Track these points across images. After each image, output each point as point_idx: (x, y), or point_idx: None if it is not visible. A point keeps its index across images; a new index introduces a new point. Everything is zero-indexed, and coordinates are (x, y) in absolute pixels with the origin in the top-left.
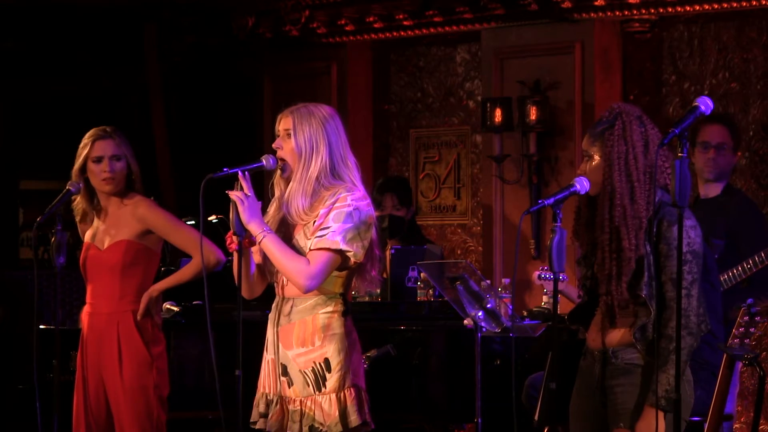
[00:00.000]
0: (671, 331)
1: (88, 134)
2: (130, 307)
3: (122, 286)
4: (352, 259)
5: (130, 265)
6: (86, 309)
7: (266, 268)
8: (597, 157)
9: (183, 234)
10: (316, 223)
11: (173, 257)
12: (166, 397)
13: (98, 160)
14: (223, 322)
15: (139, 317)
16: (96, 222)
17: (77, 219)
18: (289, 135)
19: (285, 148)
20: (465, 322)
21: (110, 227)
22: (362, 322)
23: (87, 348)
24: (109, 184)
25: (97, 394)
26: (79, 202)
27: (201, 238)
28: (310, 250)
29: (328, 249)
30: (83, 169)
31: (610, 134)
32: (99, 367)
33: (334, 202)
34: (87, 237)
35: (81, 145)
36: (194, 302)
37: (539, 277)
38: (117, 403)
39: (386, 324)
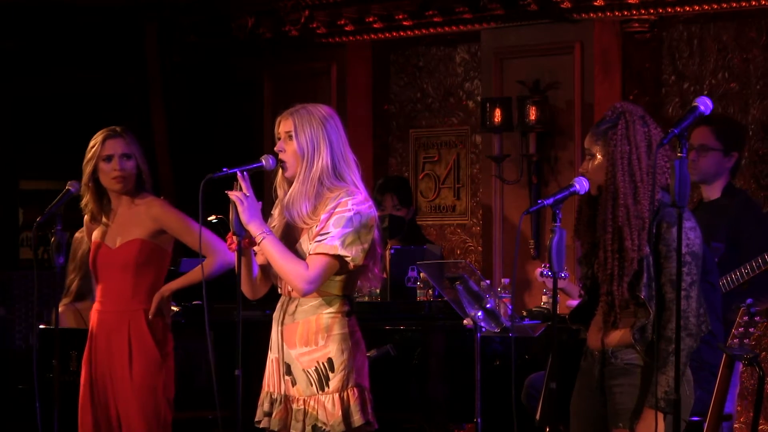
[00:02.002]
0: (670, 333)
1: (97, 134)
2: (141, 306)
3: (135, 285)
4: (351, 264)
5: (143, 265)
6: (95, 307)
7: (269, 269)
8: (599, 156)
9: (196, 234)
10: (317, 228)
11: (173, 257)
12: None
13: (108, 158)
14: (222, 322)
15: (150, 316)
16: (105, 221)
17: (87, 218)
18: (290, 137)
19: (287, 150)
20: (465, 322)
21: (122, 226)
22: (362, 322)
23: (96, 346)
24: (120, 183)
25: (105, 392)
26: (88, 203)
27: (201, 238)
28: (309, 254)
29: (326, 254)
30: (94, 169)
31: (614, 134)
32: (108, 366)
33: (335, 207)
34: (95, 236)
35: (90, 145)
36: (194, 302)
37: (542, 274)
38: (126, 401)
39: (386, 324)
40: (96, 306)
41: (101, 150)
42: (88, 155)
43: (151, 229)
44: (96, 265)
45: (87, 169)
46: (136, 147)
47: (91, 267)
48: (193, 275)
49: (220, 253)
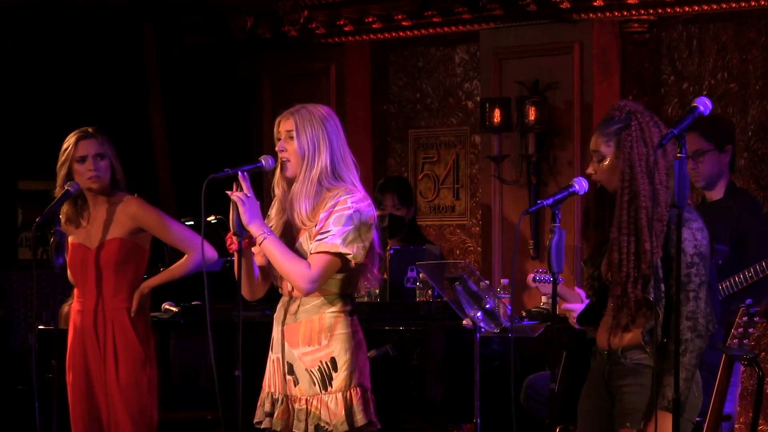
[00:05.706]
0: (678, 334)
1: (69, 136)
2: (123, 305)
3: (116, 284)
4: (353, 261)
5: (123, 263)
6: (75, 307)
7: (269, 270)
8: (609, 157)
9: (175, 231)
10: (317, 227)
11: (173, 256)
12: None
13: (82, 159)
14: (222, 322)
15: (132, 314)
16: (82, 222)
17: (63, 220)
18: (291, 137)
19: (288, 149)
20: (464, 322)
21: (99, 226)
22: (361, 322)
23: (79, 347)
24: (96, 182)
25: (94, 392)
26: (63, 205)
27: (203, 237)
28: (311, 253)
29: (328, 252)
30: (69, 171)
31: (628, 135)
32: (94, 366)
33: (335, 205)
34: (72, 238)
35: (63, 148)
36: (193, 302)
37: (534, 279)
38: (112, 400)
39: (385, 324)
40: (76, 306)
41: (75, 151)
42: (62, 158)
43: (129, 228)
44: (75, 267)
45: (61, 172)
46: (108, 147)
47: (69, 268)
48: (172, 272)
49: (199, 250)
